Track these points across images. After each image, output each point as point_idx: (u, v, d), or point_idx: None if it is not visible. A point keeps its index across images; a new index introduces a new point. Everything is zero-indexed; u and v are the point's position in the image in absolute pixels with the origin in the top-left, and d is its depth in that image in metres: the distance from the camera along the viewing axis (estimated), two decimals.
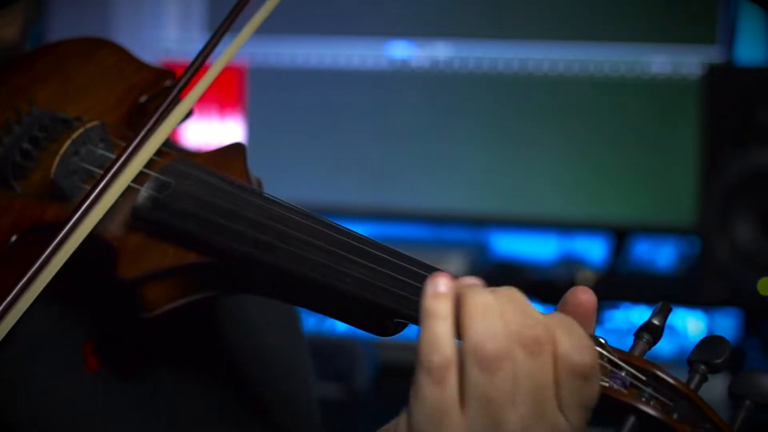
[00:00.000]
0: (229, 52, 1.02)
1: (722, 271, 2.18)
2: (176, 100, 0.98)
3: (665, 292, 2.44)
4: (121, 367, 1.02)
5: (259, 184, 1.00)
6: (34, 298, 0.85)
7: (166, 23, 2.83)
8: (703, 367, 0.78)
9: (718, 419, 0.76)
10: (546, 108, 2.60)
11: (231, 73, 2.76)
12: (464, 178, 2.65)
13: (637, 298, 2.39)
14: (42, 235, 0.91)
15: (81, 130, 0.97)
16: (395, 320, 0.87)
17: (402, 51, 2.68)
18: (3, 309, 0.83)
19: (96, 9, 2.82)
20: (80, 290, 1.00)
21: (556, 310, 0.80)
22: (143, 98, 1.05)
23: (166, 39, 2.83)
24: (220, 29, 1.02)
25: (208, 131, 2.79)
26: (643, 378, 0.77)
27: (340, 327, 2.41)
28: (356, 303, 0.86)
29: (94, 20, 2.80)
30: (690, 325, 2.39)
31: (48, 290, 0.87)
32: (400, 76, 2.68)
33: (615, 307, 2.35)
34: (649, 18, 2.55)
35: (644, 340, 0.80)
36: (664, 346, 2.30)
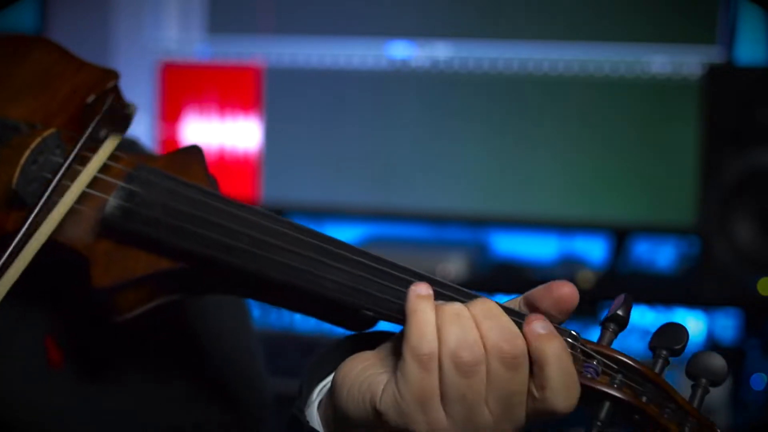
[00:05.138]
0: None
1: (722, 271, 2.18)
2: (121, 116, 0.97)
3: (665, 292, 2.44)
4: (84, 358, 1.02)
5: (216, 184, 1.01)
6: None
7: (166, 23, 2.83)
8: (665, 352, 0.84)
9: (681, 399, 0.83)
10: (546, 108, 2.60)
11: (245, 73, 2.76)
12: (464, 178, 2.65)
13: (637, 298, 2.39)
14: (5, 243, 0.91)
15: (39, 140, 0.97)
16: (370, 319, 0.91)
17: (402, 51, 2.68)
18: None
19: (96, 9, 2.82)
20: (41, 287, 1.01)
21: (531, 296, 0.86)
22: (90, 98, 1.04)
23: (166, 39, 2.83)
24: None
25: (212, 131, 2.79)
26: (614, 366, 0.83)
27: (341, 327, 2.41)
28: (335, 305, 0.88)
29: (94, 20, 2.80)
30: (690, 325, 2.39)
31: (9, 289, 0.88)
32: (400, 76, 2.68)
33: None
34: (649, 18, 2.55)
35: (611, 329, 0.86)
36: None
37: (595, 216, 2.58)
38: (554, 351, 0.81)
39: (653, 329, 0.89)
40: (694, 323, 2.39)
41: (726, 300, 2.25)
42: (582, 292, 0.88)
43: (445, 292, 0.86)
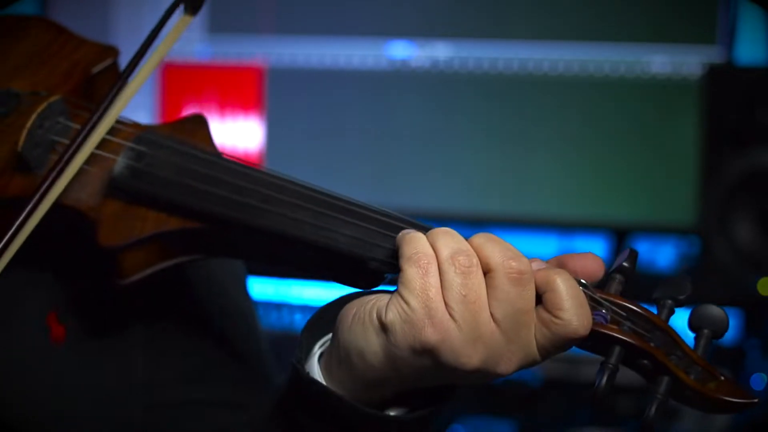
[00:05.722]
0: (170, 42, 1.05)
1: (722, 271, 2.18)
2: (127, 76, 0.99)
3: None
4: (87, 334, 1.03)
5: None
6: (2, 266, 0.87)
7: (166, 23, 2.83)
8: (669, 302, 0.88)
9: (687, 347, 0.86)
10: (546, 108, 2.60)
11: (246, 73, 2.76)
12: (464, 178, 2.65)
13: (637, 298, 2.39)
14: (6, 206, 0.92)
15: (44, 105, 0.99)
16: (380, 272, 0.92)
17: (402, 51, 2.68)
18: None
19: (96, 9, 2.82)
20: (41, 262, 1.01)
21: (562, 257, 0.91)
22: (96, 69, 1.06)
23: None
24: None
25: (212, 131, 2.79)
26: (623, 313, 0.87)
27: None
28: (345, 259, 0.89)
29: (94, 20, 2.80)
30: None
31: (10, 262, 0.88)
32: (400, 76, 2.68)
33: None
34: (649, 18, 2.55)
35: (617, 280, 0.89)
36: None
37: (595, 216, 2.58)
38: (560, 273, 0.85)
39: None
40: None
41: (726, 300, 2.25)
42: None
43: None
